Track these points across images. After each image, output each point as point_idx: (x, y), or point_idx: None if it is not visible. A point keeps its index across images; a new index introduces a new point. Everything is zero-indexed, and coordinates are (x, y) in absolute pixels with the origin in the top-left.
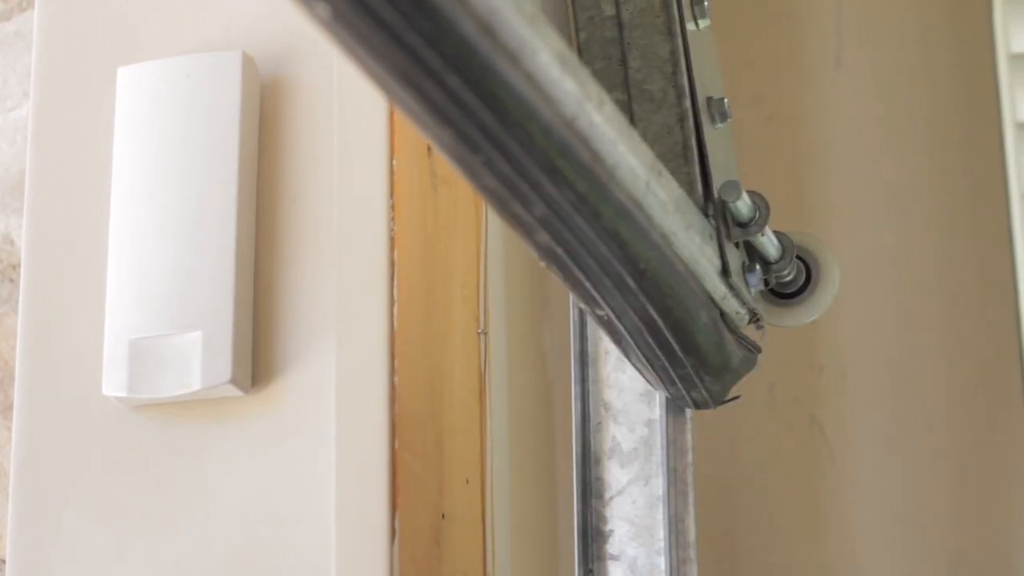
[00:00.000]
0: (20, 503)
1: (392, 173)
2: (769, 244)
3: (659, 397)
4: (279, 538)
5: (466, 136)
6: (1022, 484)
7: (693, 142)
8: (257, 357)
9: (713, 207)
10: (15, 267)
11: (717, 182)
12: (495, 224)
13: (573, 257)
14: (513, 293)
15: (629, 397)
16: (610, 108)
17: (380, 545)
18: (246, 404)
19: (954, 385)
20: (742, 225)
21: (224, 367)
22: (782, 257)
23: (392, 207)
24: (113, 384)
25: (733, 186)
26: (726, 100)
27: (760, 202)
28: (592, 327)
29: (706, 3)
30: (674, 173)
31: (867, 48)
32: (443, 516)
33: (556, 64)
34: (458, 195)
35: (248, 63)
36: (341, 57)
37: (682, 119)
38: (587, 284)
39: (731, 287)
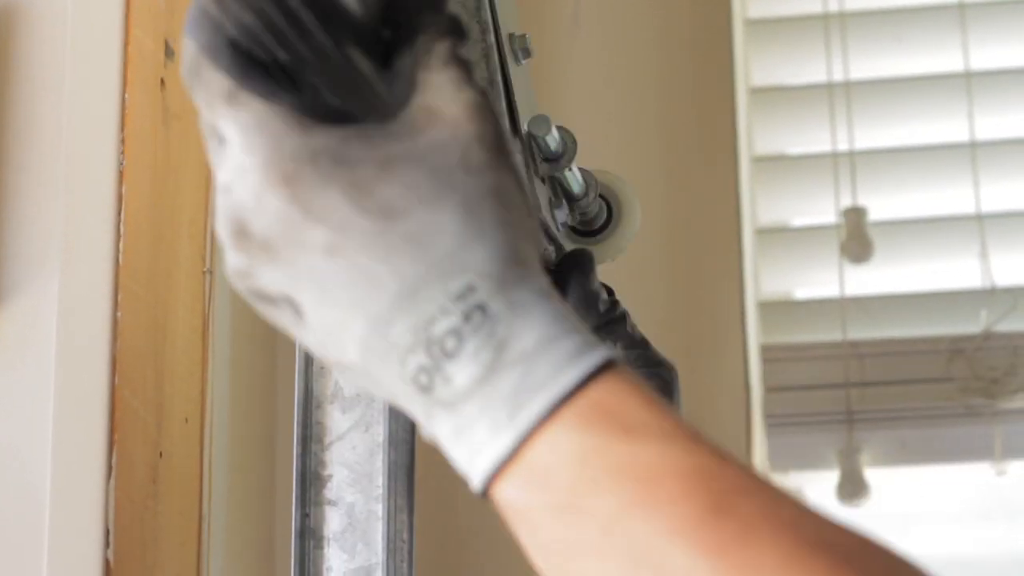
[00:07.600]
0: None
1: (124, 106)
2: (574, 180)
3: None
4: None
5: None
6: None
7: (499, 77)
8: None
9: (521, 142)
10: None
11: (524, 117)
12: None
13: None
14: None
15: None
16: None
17: (96, 482)
18: None
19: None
20: (549, 160)
21: None
22: (586, 194)
23: (122, 141)
24: None
25: (543, 120)
26: (528, 36)
27: (568, 137)
28: None
29: None
30: None
31: (606, 7)
32: (161, 455)
33: None
34: (190, 132)
35: None
36: None
37: (487, 54)
38: None
39: (539, 222)
